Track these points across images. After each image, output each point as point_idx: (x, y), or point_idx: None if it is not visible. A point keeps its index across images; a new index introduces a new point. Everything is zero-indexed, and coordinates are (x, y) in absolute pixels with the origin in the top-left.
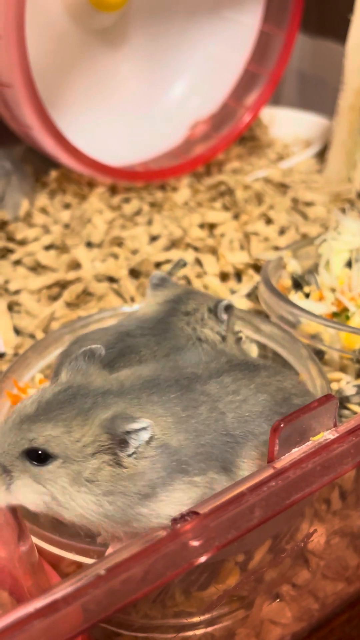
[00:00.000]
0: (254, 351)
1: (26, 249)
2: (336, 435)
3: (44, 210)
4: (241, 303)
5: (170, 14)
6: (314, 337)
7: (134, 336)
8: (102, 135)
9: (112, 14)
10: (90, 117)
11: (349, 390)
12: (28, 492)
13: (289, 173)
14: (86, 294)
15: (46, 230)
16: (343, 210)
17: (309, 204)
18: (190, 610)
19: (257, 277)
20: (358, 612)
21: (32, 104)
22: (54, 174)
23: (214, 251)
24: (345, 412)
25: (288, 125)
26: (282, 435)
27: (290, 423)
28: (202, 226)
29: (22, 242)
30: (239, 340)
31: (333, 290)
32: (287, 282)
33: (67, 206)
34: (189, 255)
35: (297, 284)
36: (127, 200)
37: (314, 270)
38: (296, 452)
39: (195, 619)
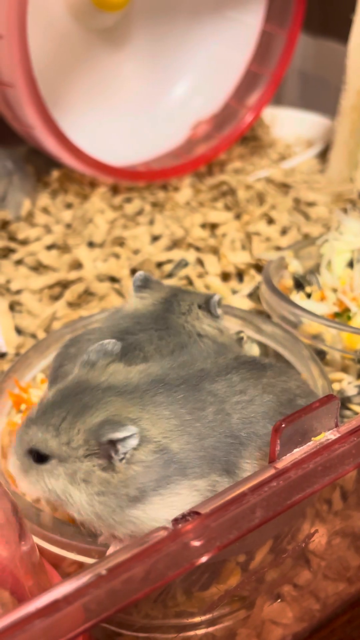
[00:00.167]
0: (255, 351)
1: (28, 248)
2: (337, 435)
3: (45, 210)
4: (243, 303)
5: (172, 14)
6: (316, 337)
7: (134, 333)
8: (104, 135)
9: (114, 13)
10: (92, 116)
11: (351, 391)
12: (35, 486)
13: (290, 173)
14: (88, 294)
15: (48, 230)
16: (345, 211)
17: (310, 204)
18: (191, 610)
19: (258, 277)
20: (359, 612)
21: (34, 103)
22: (55, 173)
23: (215, 251)
24: (347, 412)
25: (290, 125)
26: (283, 436)
27: (292, 423)
28: (203, 226)
29: (24, 242)
30: (240, 340)
31: (335, 290)
32: (289, 282)
33: (68, 206)
34: (191, 255)
35: (299, 284)
36: (128, 200)
37: (315, 270)
38: (297, 453)
39: (197, 619)
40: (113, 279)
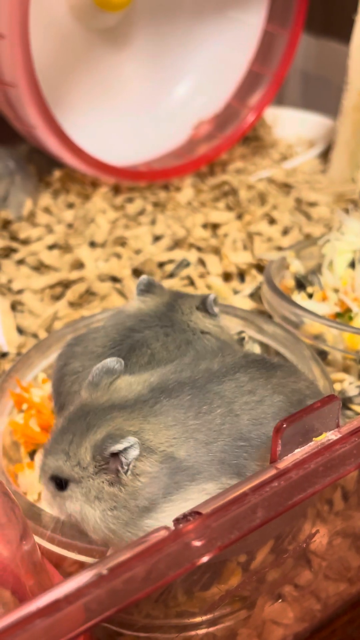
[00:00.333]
0: (256, 352)
1: (29, 248)
2: (339, 436)
3: (47, 210)
4: (244, 303)
5: (174, 14)
6: (317, 337)
7: (139, 330)
8: (105, 135)
9: (116, 13)
10: (94, 116)
11: (352, 391)
12: (61, 511)
13: (292, 173)
14: (89, 294)
15: (49, 229)
16: (346, 211)
17: (312, 204)
18: (192, 610)
19: (260, 277)
20: None
21: (35, 103)
22: (57, 173)
23: (217, 251)
24: (348, 412)
25: (292, 125)
26: (284, 436)
27: (293, 423)
28: (205, 226)
29: (26, 242)
30: (241, 340)
31: (336, 290)
32: (290, 282)
33: (70, 206)
34: (192, 255)
35: (300, 285)
36: (130, 200)
37: (317, 270)
38: (299, 453)
39: (197, 619)
40: (114, 279)
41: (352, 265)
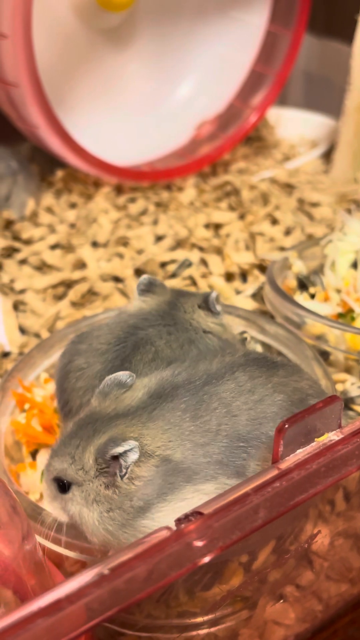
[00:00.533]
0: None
1: (32, 248)
2: (341, 436)
3: (49, 210)
4: (246, 303)
5: (177, 14)
6: (319, 338)
7: (143, 328)
8: (108, 134)
9: (119, 13)
10: (97, 116)
11: (354, 392)
12: (61, 513)
13: (295, 173)
14: (91, 294)
15: (52, 229)
16: (349, 211)
17: (314, 204)
18: (193, 610)
19: (262, 278)
20: None
21: (38, 103)
22: (60, 173)
23: (219, 251)
24: (350, 413)
25: (294, 125)
26: (286, 436)
27: (295, 424)
28: (207, 226)
29: (28, 242)
30: (243, 340)
31: (338, 291)
32: (293, 282)
33: (72, 206)
34: (194, 256)
35: (303, 285)
36: (132, 200)
37: (319, 271)
38: (301, 453)
39: (199, 619)
40: (117, 279)
41: (355, 265)
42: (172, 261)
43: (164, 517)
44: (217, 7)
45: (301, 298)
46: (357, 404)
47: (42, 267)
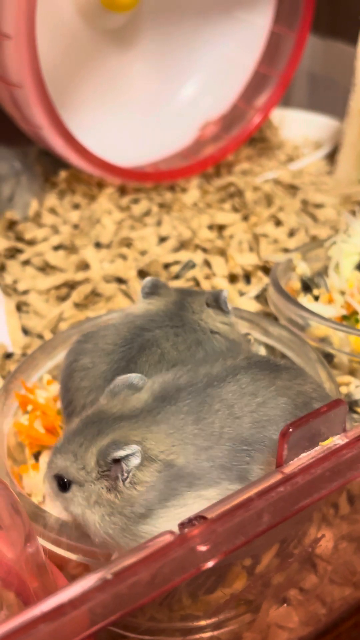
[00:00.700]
0: (262, 354)
1: (35, 249)
2: (345, 440)
3: (53, 211)
4: (250, 305)
5: (181, 15)
6: (323, 340)
7: (150, 330)
8: (111, 135)
9: (123, 14)
10: (100, 117)
11: (358, 394)
12: (62, 511)
13: (298, 175)
14: (94, 295)
15: (55, 230)
16: (353, 213)
17: (318, 206)
18: (197, 613)
19: (266, 279)
20: None
21: (42, 104)
22: (63, 174)
23: (222, 253)
24: (355, 416)
25: (298, 126)
26: (290, 440)
27: (299, 428)
28: (211, 227)
29: (31, 242)
30: (247, 342)
31: (342, 293)
32: (296, 284)
33: (76, 206)
34: (198, 257)
35: (307, 287)
36: (136, 201)
37: (323, 272)
38: (305, 457)
39: (202, 623)
40: (120, 280)
41: (359, 267)
42: (176, 262)
43: (165, 523)
44: (221, 7)
45: (305, 300)
46: None
47: (45, 268)
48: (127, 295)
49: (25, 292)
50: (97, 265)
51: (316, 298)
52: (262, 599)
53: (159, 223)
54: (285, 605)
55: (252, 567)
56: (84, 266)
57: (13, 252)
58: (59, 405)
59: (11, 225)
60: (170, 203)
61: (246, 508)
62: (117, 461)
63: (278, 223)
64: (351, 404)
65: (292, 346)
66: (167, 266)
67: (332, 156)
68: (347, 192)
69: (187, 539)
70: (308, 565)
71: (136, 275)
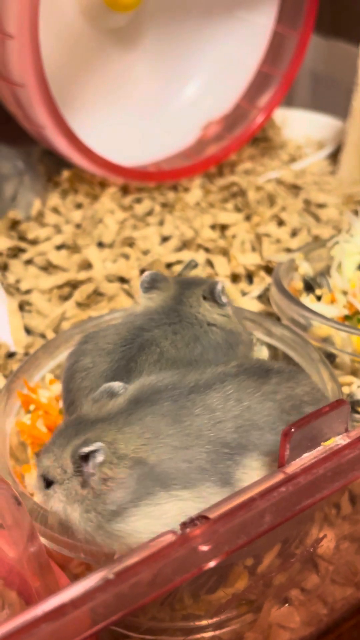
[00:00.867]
0: (264, 354)
1: (37, 248)
2: (348, 440)
3: (55, 210)
4: (252, 305)
5: (184, 14)
6: (325, 340)
7: (149, 330)
8: (114, 135)
9: (126, 14)
10: (103, 117)
11: None
12: (48, 508)
13: (301, 174)
14: (97, 294)
15: (58, 230)
16: (355, 213)
17: (321, 205)
18: (198, 613)
19: (268, 279)
20: None
21: (45, 103)
22: (66, 173)
23: (225, 252)
24: (357, 416)
25: (301, 126)
26: (292, 440)
27: (301, 428)
28: (213, 227)
29: (34, 242)
30: (247, 332)
31: (345, 293)
32: (299, 284)
33: (78, 206)
34: (200, 256)
35: (309, 287)
36: (138, 201)
37: (325, 272)
38: (307, 457)
39: (204, 622)
40: (122, 280)
41: None
42: (178, 262)
43: (137, 522)
44: (223, 7)
45: (307, 300)
46: None
47: (48, 268)
48: (129, 294)
49: (27, 292)
50: (99, 264)
51: (319, 298)
52: (264, 599)
53: (161, 223)
54: (286, 605)
55: (253, 567)
56: (87, 266)
57: (16, 252)
58: (61, 404)
59: (14, 224)
60: (172, 203)
61: (248, 508)
62: (87, 458)
63: (280, 223)
64: (353, 404)
65: (294, 346)
66: (169, 266)
67: (334, 156)
68: (349, 192)
69: (188, 538)
70: (310, 565)
71: (138, 274)
